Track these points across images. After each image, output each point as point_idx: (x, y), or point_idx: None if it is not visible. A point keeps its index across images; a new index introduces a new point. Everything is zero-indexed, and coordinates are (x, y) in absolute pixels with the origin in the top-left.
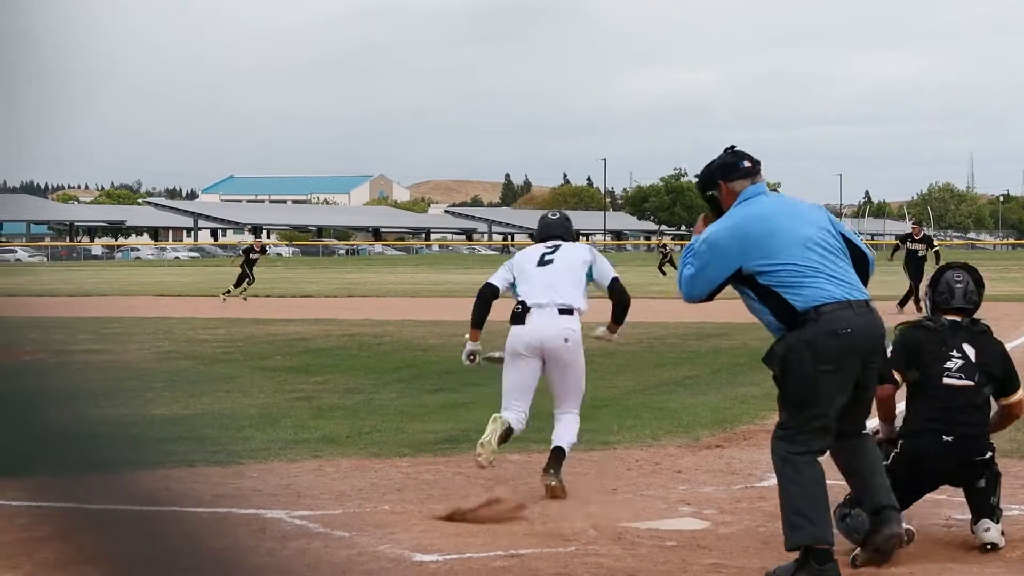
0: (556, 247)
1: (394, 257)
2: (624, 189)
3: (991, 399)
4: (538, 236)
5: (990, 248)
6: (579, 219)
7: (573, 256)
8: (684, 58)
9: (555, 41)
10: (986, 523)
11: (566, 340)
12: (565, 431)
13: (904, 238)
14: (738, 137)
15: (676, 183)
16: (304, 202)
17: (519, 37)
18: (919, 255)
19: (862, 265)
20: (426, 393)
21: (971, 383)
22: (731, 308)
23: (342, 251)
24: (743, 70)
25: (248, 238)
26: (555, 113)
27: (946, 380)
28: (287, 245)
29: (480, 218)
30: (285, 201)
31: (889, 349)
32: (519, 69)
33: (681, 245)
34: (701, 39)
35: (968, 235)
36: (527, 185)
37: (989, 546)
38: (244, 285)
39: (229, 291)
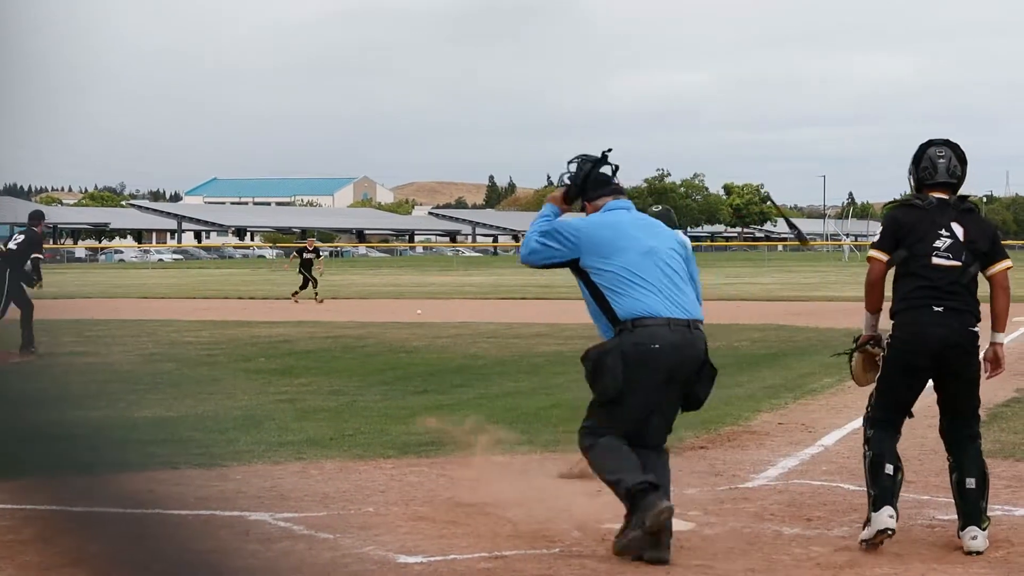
0: None
1: (378, 259)
2: None
3: (977, 279)
4: None
5: None
6: None
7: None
8: (675, 60)
9: (544, 42)
10: (973, 531)
11: None
12: None
13: None
14: (729, 138)
15: (660, 184)
16: (288, 204)
17: (506, 38)
18: None
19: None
20: (410, 395)
21: (958, 263)
22: (715, 310)
23: (326, 253)
24: (734, 71)
25: (232, 240)
26: (541, 114)
27: (934, 260)
28: (271, 247)
29: (464, 220)
30: (269, 203)
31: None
32: (505, 70)
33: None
34: (692, 40)
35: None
36: (511, 187)
37: (975, 554)
38: (310, 288)
39: (297, 292)
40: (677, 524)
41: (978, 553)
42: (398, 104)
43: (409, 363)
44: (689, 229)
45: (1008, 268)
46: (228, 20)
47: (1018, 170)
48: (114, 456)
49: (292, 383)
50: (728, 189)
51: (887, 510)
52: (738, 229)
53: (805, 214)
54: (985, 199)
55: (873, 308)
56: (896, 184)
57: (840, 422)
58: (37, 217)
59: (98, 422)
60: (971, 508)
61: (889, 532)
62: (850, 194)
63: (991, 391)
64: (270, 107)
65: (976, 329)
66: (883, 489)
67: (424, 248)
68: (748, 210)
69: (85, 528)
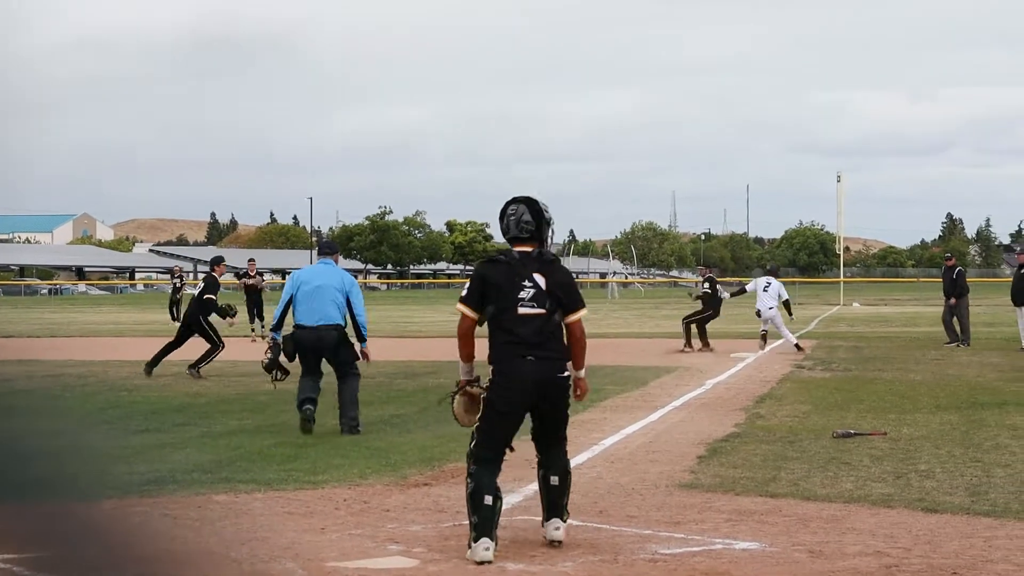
0: (769, 283)
1: (98, 296)
2: (330, 228)
3: (562, 325)
4: (757, 274)
5: (693, 285)
6: (285, 258)
7: (775, 289)
8: (394, 96)
9: (264, 78)
10: (556, 523)
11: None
12: None
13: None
14: (450, 175)
15: (381, 222)
16: (6, 241)
17: (227, 74)
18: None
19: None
20: (132, 434)
21: (543, 311)
22: (442, 346)
23: (45, 291)
24: (452, 109)
25: None
26: (262, 151)
27: (520, 310)
28: None
29: (185, 257)
30: None
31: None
32: (226, 106)
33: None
34: (412, 77)
35: (671, 273)
36: (233, 223)
37: (557, 543)
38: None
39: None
40: (401, 561)
41: (560, 543)
42: (118, 139)
43: (131, 402)
44: (412, 266)
45: (582, 316)
46: None
47: (735, 207)
48: None
49: (8, 424)
50: (451, 226)
51: (484, 542)
52: (461, 266)
53: None
54: (703, 237)
55: (466, 358)
56: (616, 221)
57: None
58: (216, 261)
59: None
60: (554, 502)
61: (487, 564)
62: (571, 231)
63: (711, 427)
64: None
65: (565, 373)
66: (483, 519)
67: (145, 285)
68: (471, 248)
69: None
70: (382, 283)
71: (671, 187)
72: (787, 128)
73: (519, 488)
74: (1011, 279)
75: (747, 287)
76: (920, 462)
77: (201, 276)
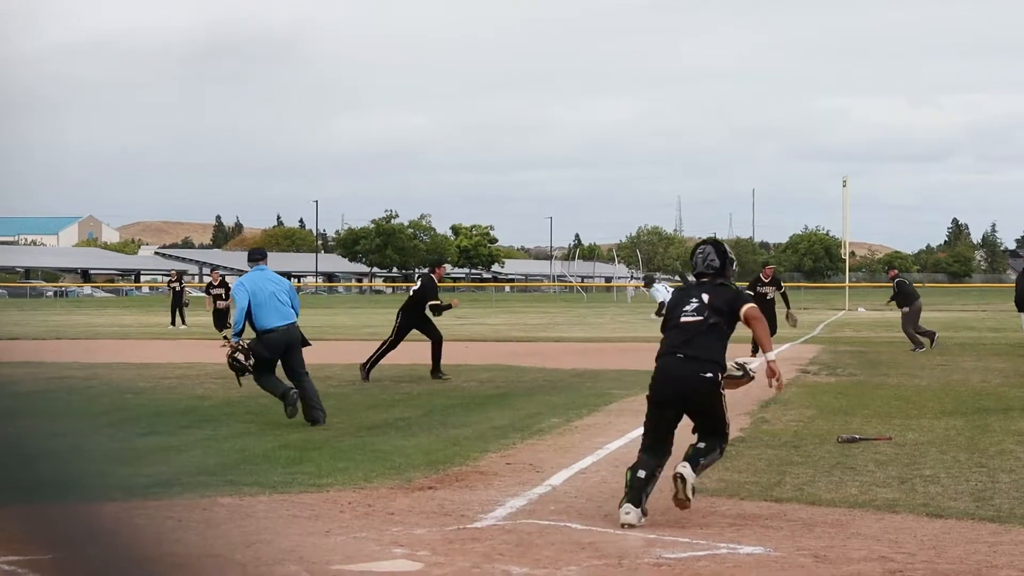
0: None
1: (103, 299)
2: (336, 231)
3: (727, 328)
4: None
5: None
6: (291, 261)
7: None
8: (401, 101)
9: (269, 82)
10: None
11: None
12: None
13: (755, 283)
14: (456, 179)
15: (387, 225)
16: (11, 243)
17: (231, 78)
18: (768, 297)
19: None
20: (137, 436)
21: (700, 318)
22: (447, 350)
23: (50, 293)
24: (458, 114)
25: None
26: (268, 154)
27: (683, 319)
28: None
29: (191, 260)
30: None
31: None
32: (231, 109)
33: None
34: (415, 83)
35: (676, 277)
36: (239, 227)
37: (626, 525)
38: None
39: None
40: (406, 564)
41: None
42: (124, 142)
43: (136, 404)
44: (417, 270)
45: (750, 306)
46: None
47: (741, 212)
48: None
49: (14, 426)
50: (456, 230)
51: (626, 507)
52: (466, 270)
53: (532, 255)
54: None
55: None
56: (622, 227)
57: (567, 462)
58: (438, 263)
59: None
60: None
61: (624, 526)
62: (576, 236)
63: None
64: None
65: (710, 375)
66: (630, 487)
67: (150, 288)
68: (476, 251)
69: None
70: (387, 286)
71: (676, 192)
72: (792, 133)
73: (524, 492)
74: (1015, 284)
75: (659, 299)
76: (925, 467)
77: (418, 277)
